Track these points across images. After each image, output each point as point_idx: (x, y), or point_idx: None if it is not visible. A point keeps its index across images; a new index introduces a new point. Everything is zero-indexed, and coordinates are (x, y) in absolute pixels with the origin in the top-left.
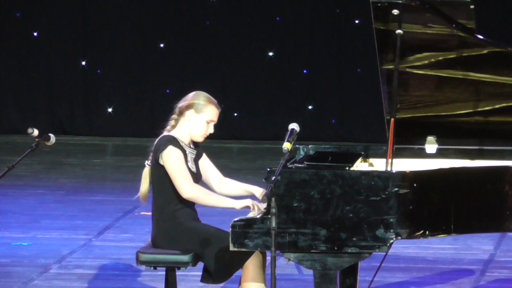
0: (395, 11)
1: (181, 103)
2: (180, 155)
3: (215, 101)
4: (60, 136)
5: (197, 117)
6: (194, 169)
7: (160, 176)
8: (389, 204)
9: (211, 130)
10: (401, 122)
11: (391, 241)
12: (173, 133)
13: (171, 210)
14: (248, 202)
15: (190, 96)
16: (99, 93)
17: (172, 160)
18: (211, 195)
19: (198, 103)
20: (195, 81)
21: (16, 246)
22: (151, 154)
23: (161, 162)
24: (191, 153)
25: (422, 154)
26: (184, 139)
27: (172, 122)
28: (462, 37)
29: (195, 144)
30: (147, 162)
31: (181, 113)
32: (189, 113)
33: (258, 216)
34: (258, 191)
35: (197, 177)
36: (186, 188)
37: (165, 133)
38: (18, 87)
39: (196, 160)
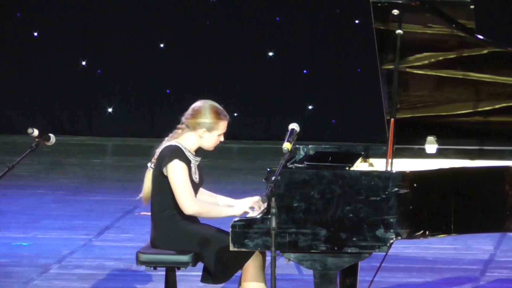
0: (395, 11)
1: (191, 119)
2: (184, 170)
3: (223, 111)
4: (60, 136)
5: (209, 135)
6: (197, 179)
7: (162, 185)
8: (389, 204)
9: (222, 139)
10: (401, 122)
11: (391, 241)
12: (179, 141)
13: (170, 212)
14: (245, 207)
15: (198, 111)
16: (99, 93)
17: (177, 175)
18: (211, 209)
19: (209, 122)
20: (195, 81)
21: (16, 246)
22: (154, 158)
23: (165, 172)
24: (196, 161)
25: (422, 154)
26: (191, 148)
27: (178, 131)
28: (462, 37)
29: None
30: (150, 165)
31: (190, 128)
32: (201, 131)
33: (258, 216)
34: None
35: (199, 186)
36: (188, 205)
37: (170, 140)
38: (18, 87)
39: (199, 166)
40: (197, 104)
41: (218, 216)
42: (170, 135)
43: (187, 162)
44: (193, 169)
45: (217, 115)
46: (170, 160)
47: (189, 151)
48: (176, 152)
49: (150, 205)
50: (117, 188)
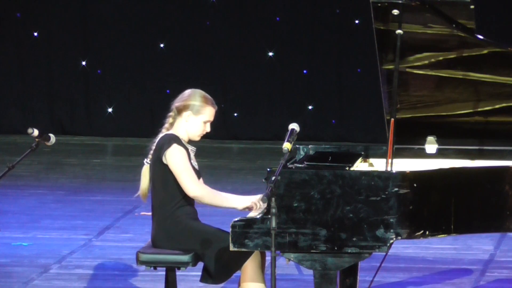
0: (395, 11)
1: (178, 103)
2: (184, 154)
3: (212, 99)
4: (60, 136)
5: (194, 118)
6: (196, 166)
7: (163, 174)
8: (389, 204)
9: (208, 129)
10: (401, 122)
11: (391, 241)
12: (173, 131)
13: (172, 207)
14: (248, 202)
15: (187, 95)
16: (99, 93)
17: (177, 159)
18: (215, 195)
19: (195, 104)
20: (195, 81)
21: (16, 246)
22: (151, 152)
23: (164, 161)
24: (192, 150)
25: (422, 154)
26: (184, 137)
27: (170, 120)
28: (462, 37)
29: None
30: (146, 160)
31: (178, 113)
32: (186, 114)
33: (258, 216)
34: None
35: (199, 173)
36: (192, 187)
37: (164, 131)
38: (18, 87)
39: (195, 156)
40: (187, 90)
41: (220, 204)
42: (163, 126)
43: (185, 148)
44: (191, 155)
45: (205, 99)
46: (169, 145)
47: (184, 141)
48: (174, 139)
49: (151, 202)
50: (117, 188)
